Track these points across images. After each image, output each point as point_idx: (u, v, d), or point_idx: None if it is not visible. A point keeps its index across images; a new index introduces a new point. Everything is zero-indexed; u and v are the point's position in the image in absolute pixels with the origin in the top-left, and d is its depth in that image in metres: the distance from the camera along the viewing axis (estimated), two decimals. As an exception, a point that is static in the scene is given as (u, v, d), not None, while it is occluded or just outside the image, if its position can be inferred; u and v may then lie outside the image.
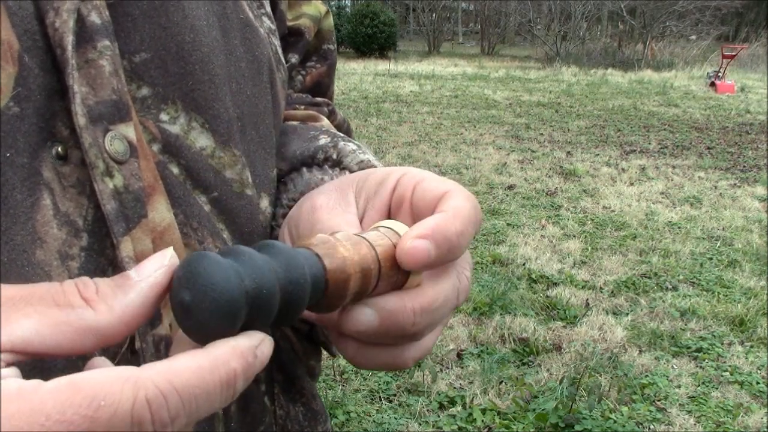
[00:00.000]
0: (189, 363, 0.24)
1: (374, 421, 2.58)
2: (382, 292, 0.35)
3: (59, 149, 0.34)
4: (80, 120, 0.34)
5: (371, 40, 20.35)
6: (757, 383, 2.93)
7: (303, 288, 0.29)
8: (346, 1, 25.53)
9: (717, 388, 2.91)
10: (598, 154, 7.26)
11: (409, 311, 0.35)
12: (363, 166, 0.50)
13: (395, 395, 2.78)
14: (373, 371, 2.92)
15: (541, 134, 8.35)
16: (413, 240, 0.33)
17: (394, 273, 0.34)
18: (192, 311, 0.26)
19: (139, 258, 0.35)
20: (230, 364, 0.25)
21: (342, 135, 0.55)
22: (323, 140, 0.52)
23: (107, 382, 0.22)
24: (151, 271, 0.27)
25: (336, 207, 0.41)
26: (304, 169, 0.51)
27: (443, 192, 0.37)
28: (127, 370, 0.23)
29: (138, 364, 0.35)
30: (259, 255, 0.28)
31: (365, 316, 0.34)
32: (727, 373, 3.01)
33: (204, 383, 0.24)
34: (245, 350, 0.26)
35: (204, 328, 0.26)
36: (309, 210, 0.42)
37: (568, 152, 7.33)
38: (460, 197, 0.36)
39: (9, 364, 0.24)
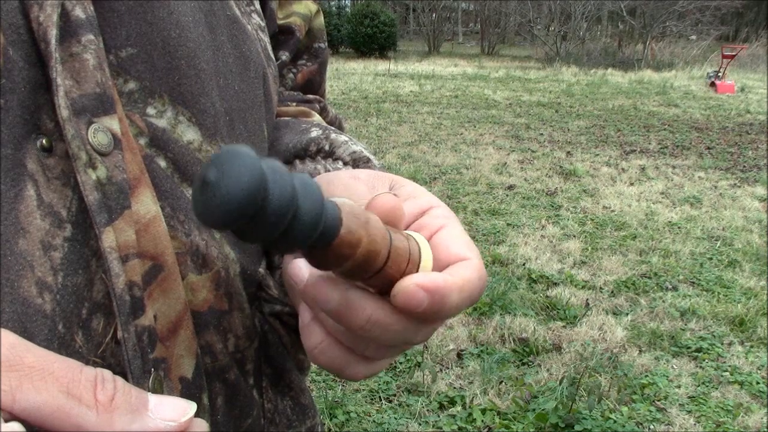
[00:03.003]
0: None
1: (374, 421, 2.57)
2: (373, 285, 0.35)
3: (44, 141, 0.35)
4: (63, 112, 0.34)
5: (371, 40, 20.37)
6: (757, 383, 2.92)
7: (315, 220, 0.29)
8: (346, 1, 25.54)
9: (717, 388, 2.90)
10: (598, 154, 7.26)
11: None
12: (355, 156, 0.53)
13: (395, 395, 2.77)
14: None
15: (541, 134, 8.35)
16: (415, 286, 0.34)
17: (393, 275, 0.35)
18: (212, 189, 0.26)
19: (122, 248, 0.36)
20: None
21: (333, 128, 0.56)
22: (315, 132, 0.54)
23: None
24: (169, 417, 0.29)
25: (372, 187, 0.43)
26: (297, 162, 0.53)
27: (463, 257, 0.37)
28: None
29: (121, 354, 0.36)
30: (288, 173, 0.28)
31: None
32: (727, 373, 3.01)
33: None
34: None
35: (219, 208, 0.26)
36: (349, 176, 0.44)
37: (568, 152, 7.32)
38: (476, 271, 0.37)
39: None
